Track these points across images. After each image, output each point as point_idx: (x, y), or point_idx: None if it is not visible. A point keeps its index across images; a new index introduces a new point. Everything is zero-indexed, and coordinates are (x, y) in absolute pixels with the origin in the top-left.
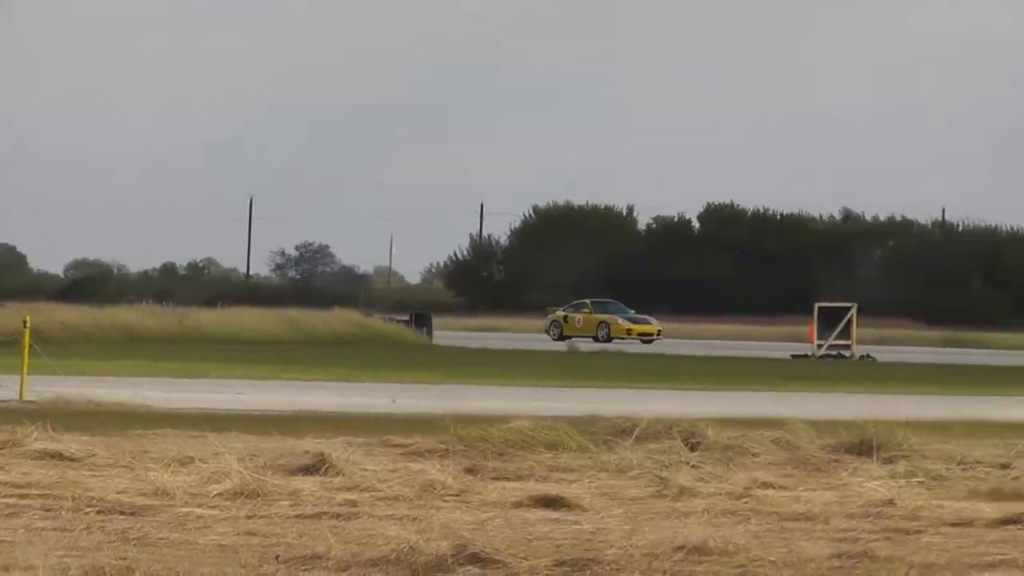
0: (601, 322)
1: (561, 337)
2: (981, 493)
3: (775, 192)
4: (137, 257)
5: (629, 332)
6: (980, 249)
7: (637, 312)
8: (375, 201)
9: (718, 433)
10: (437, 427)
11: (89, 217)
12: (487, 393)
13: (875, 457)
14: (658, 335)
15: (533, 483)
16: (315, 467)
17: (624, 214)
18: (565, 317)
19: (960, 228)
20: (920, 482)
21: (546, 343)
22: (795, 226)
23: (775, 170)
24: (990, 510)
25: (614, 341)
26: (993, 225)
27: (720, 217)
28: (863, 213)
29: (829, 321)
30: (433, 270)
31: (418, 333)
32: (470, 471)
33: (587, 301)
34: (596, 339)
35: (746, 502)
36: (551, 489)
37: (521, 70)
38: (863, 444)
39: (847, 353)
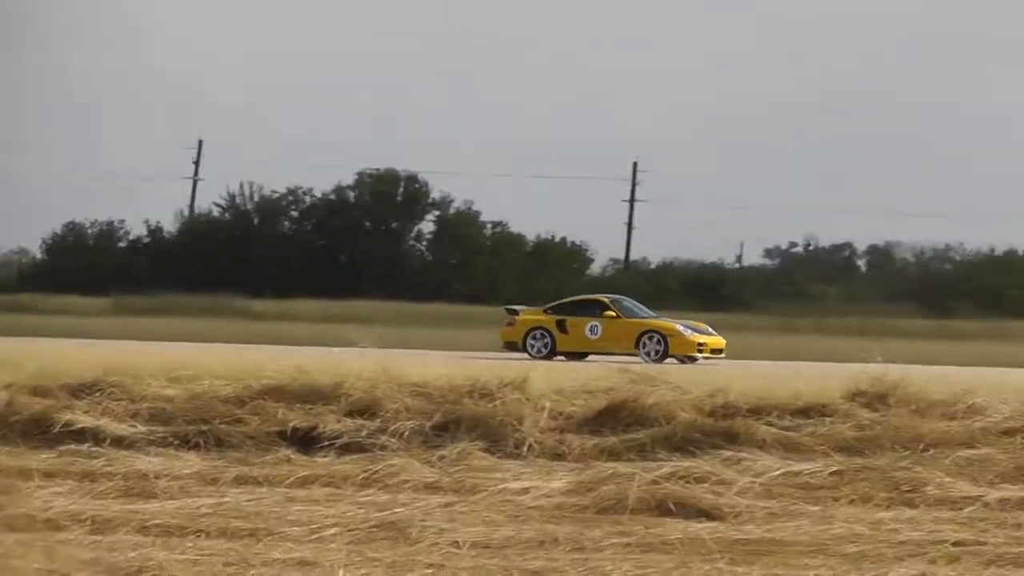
0: (649, 332)
1: (552, 353)
2: None
3: None
4: None
5: (701, 348)
6: None
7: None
8: None
9: None
10: None
11: None
12: None
13: None
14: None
15: None
16: None
17: None
18: (561, 322)
19: None
20: None
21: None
22: None
23: None
24: None
25: (667, 360)
26: None
27: None
28: None
29: None
30: None
31: None
32: None
33: (603, 298)
34: (637, 356)
35: None
36: None
37: None
38: None
39: None
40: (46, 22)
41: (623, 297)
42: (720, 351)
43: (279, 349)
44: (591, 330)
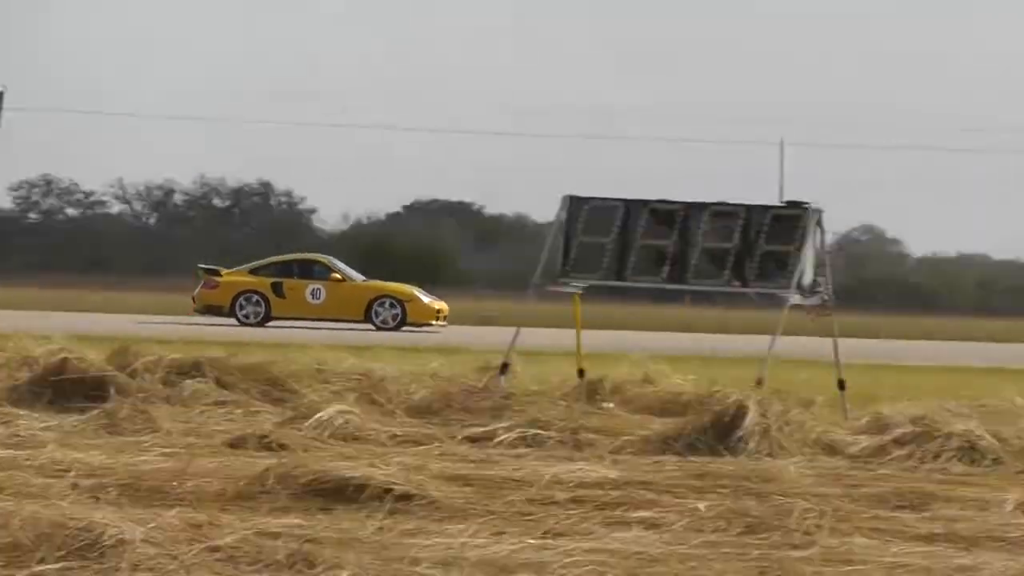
0: (382, 297)
1: (267, 319)
2: None
3: None
4: None
5: (438, 315)
6: None
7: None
8: None
9: None
10: None
11: None
12: None
13: None
14: None
15: None
16: None
17: None
18: (277, 285)
19: None
20: None
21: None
22: None
23: None
24: None
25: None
26: None
27: None
28: None
29: None
30: None
31: None
32: None
33: (322, 259)
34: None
35: None
36: None
37: None
38: None
39: None
40: None
41: (335, 258)
42: (446, 317)
43: None
44: (313, 294)
